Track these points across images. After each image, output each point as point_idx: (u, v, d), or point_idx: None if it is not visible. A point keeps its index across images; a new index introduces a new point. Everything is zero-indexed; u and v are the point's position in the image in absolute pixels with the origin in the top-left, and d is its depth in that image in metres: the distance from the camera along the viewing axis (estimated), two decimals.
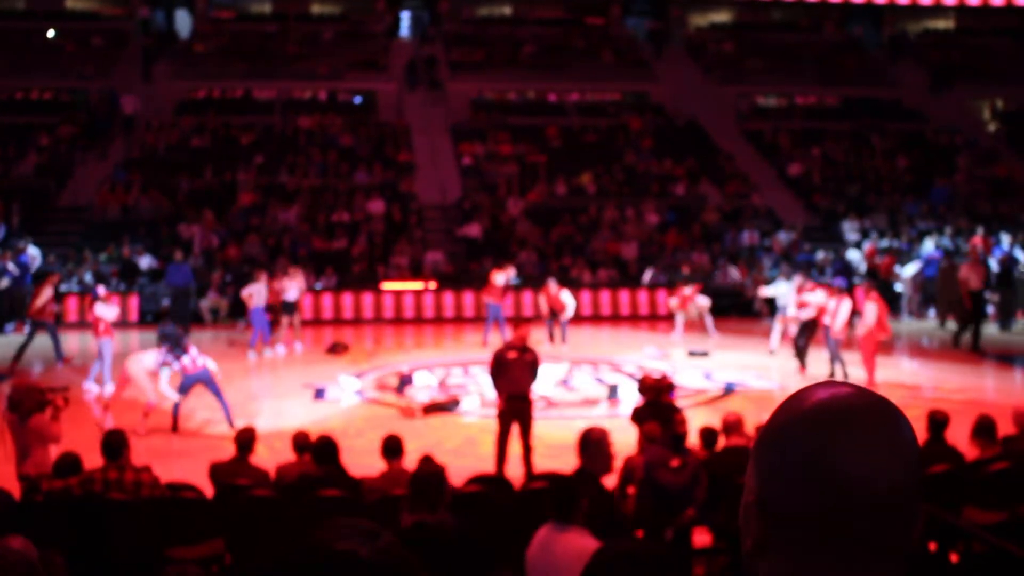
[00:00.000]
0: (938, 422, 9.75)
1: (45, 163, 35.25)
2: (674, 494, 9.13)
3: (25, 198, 32.55)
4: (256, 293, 22.87)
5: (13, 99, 40.66)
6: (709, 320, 25.34)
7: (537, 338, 19.86)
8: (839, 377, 19.21)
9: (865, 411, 1.66)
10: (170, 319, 26.31)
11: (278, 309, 23.56)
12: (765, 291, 23.94)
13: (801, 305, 19.79)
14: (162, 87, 41.10)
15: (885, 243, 32.39)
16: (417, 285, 29.81)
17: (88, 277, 28.42)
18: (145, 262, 29.42)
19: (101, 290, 19.55)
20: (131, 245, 30.02)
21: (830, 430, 1.64)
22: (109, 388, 18.55)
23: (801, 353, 20.03)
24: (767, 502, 1.70)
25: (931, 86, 45.33)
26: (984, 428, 9.53)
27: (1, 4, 46.20)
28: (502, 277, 24.34)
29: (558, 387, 18.97)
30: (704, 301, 25.39)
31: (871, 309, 18.28)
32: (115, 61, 42.60)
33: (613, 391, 17.93)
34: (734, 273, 30.91)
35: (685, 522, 9.01)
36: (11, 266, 26.84)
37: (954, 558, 7.91)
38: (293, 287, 23.51)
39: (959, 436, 10.02)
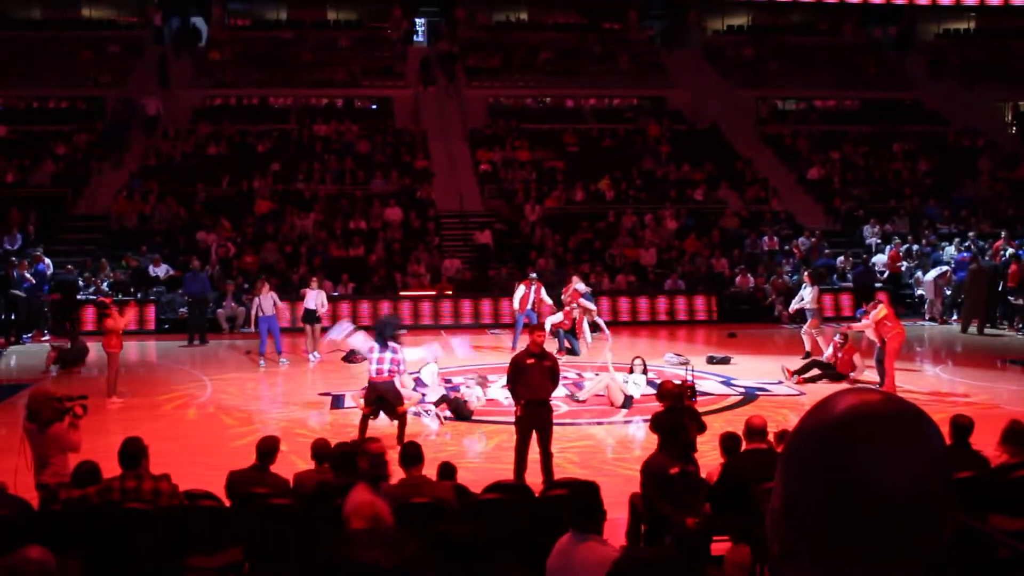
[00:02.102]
0: (962, 427, 9.57)
1: (62, 171, 35.36)
2: (673, 502, 9.05)
3: (42, 207, 32.61)
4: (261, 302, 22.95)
5: (30, 107, 40.82)
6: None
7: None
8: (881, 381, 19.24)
9: (894, 418, 1.65)
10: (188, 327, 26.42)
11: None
12: (794, 305, 23.50)
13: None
14: (178, 95, 41.19)
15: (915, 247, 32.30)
16: (435, 292, 29.89)
17: (105, 286, 28.47)
18: (162, 270, 29.45)
19: (104, 303, 19.71)
20: (148, 254, 30.07)
21: (858, 436, 1.63)
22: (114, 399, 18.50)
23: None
24: (795, 507, 1.68)
25: (931, 76, 45.43)
26: (1014, 434, 9.31)
27: (18, 13, 46.43)
28: (523, 289, 24.10)
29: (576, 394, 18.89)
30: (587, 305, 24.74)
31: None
32: (131, 69, 42.75)
33: (628, 400, 17.78)
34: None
35: (685, 531, 8.91)
36: (28, 275, 26.87)
37: (979, 564, 7.82)
38: (312, 297, 23.42)
39: (986, 442, 9.86)
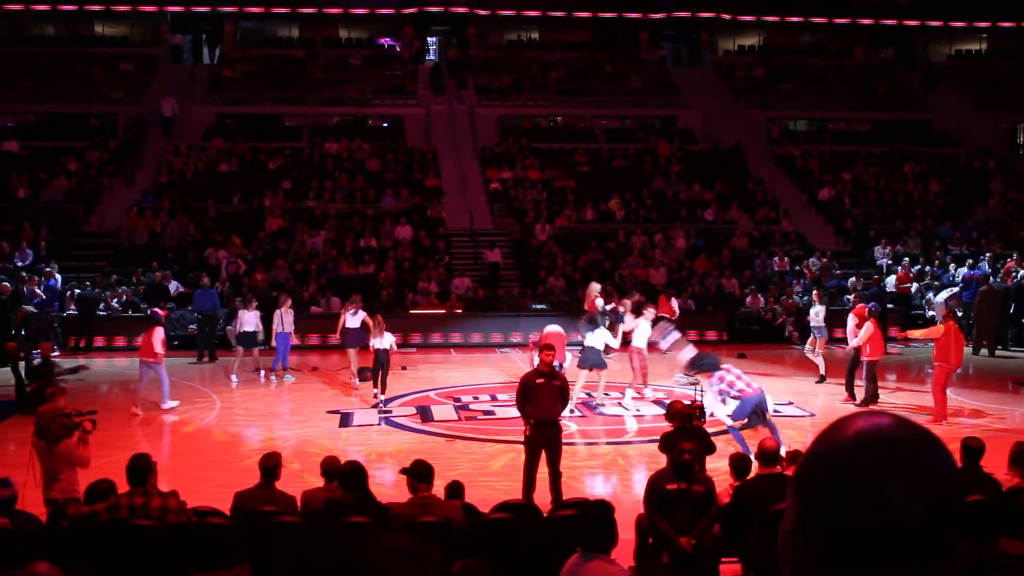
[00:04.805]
0: (972, 449, 9.49)
1: (73, 188, 35.44)
2: (672, 519, 8.99)
3: (53, 222, 32.70)
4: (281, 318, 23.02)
5: (42, 123, 40.93)
6: None
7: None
8: (865, 399, 19.21)
9: (905, 441, 1.66)
10: (197, 343, 26.39)
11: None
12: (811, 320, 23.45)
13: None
14: (190, 112, 41.32)
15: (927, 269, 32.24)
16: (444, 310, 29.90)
17: (116, 303, 28.51)
18: (172, 287, 29.46)
19: (159, 314, 20.20)
20: (158, 270, 30.07)
21: (870, 459, 1.64)
22: (170, 404, 19.09)
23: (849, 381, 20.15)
24: (806, 529, 1.69)
25: (924, 83, 45.57)
26: (1021, 456, 9.25)
27: (31, 30, 46.67)
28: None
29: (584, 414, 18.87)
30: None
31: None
32: (144, 86, 42.91)
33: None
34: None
35: (679, 550, 8.85)
36: (39, 291, 26.88)
37: None
38: (250, 319, 23.39)
39: (997, 464, 9.77)
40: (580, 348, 19.79)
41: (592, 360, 19.19)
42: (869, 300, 27.36)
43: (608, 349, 19.83)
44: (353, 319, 21.82)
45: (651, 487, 9.18)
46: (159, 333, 19.14)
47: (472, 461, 15.10)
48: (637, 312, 20.27)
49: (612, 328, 19.80)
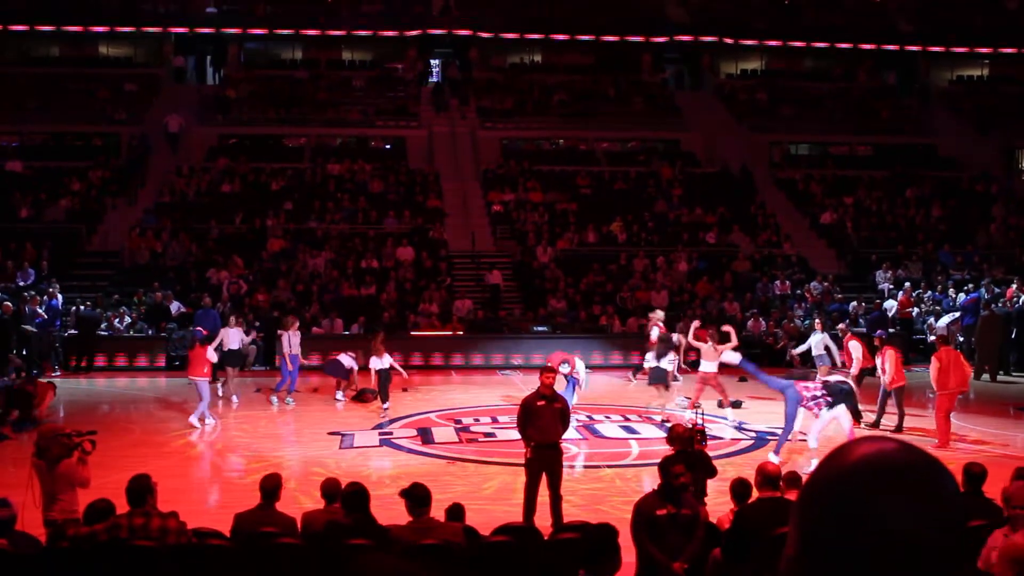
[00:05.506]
0: (975, 475, 9.47)
1: (76, 207, 35.47)
2: (663, 544, 8.94)
3: (56, 242, 32.71)
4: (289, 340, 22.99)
5: (46, 143, 41.03)
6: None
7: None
8: (874, 424, 19.25)
9: (909, 466, 1.66)
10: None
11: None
12: (800, 348, 24.08)
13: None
14: (193, 132, 41.38)
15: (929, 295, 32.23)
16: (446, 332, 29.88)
17: (117, 323, 28.50)
18: (174, 307, 29.43)
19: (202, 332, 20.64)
20: (160, 290, 30.05)
21: (874, 484, 1.64)
22: (211, 422, 19.60)
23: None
24: (810, 555, 1.68)
25: (920, 103, 45.74)
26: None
27: (36, 50, 46.80)
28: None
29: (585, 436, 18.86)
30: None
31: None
32: (147, 107, 42.98)
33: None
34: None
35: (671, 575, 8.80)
36: (40, 311, 26.86)
37: None
38: (235, 336, 23.42)
39: (1000, 490, 9.73)
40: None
41: (659, 378, 20.94)
42: (873, 327, 27.50)
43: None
44: (348, 360, 23.10)
45: (638, 512, 9.12)
46: (210, 350, 20.18)
47: (472, 484, 15.05)
48: (723, 340, 20.74)
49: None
